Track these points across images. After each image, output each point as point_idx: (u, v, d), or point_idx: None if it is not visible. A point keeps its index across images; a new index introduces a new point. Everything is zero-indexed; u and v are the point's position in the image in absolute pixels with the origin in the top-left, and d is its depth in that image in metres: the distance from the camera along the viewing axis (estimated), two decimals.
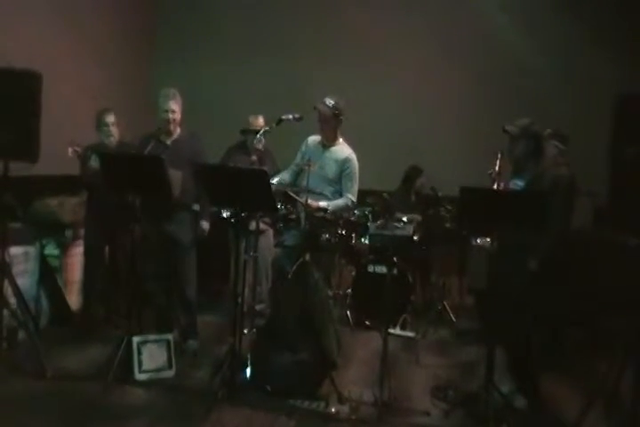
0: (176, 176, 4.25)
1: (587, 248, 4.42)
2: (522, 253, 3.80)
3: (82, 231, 5.16)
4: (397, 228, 5.44)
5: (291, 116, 4.36)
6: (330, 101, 4.51)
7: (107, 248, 5.09)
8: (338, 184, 4.62)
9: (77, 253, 5.14)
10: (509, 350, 3.92)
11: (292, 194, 4.38)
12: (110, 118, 4.95)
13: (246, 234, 4.46)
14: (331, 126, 4.59)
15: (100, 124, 4.94)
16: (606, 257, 4.40)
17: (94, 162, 4.56)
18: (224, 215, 4.96)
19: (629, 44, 6.52)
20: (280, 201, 4.49)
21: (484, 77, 6.96)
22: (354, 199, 4.62)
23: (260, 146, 5.34)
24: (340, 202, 4.55)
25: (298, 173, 4.66)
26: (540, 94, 6.61)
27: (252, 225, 4.63)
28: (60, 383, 3.96)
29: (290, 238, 4.57)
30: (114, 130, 4.96)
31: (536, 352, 3.86)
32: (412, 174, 6.51)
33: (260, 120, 5.46)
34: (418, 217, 6.00)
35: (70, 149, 4.61)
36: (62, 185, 5.21)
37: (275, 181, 4.88)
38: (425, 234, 5.97)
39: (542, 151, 3.87)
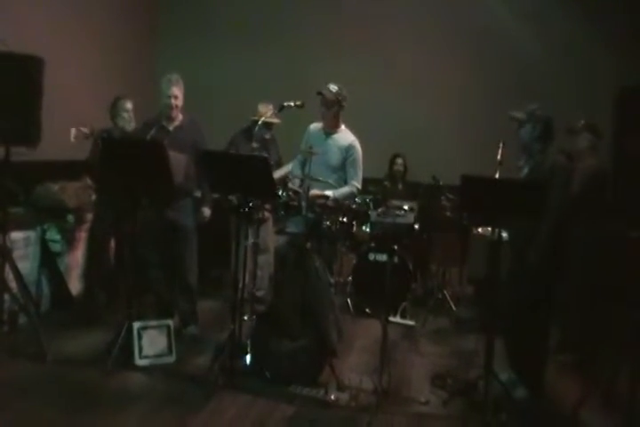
0: (180, 160, 4.20)
1: (593, 240, 4.38)
2: (522, 243, 3.77)
3: (84, 216, 5.13)
4: (398, 216, 5.41)
5: (292, 103, 4.32)
6: (333, 87, 4.48)
7: (112, 234, 5.06)
8: (342, 171, 4.58)
9: (79, 238, 5.12)
10: (514, 340, 3.89)
11: (293, 187, 4.34)
12: (129, 105, 4.99)
13: (250, 221, 4.44)
14: (333, 112, 4.54)
15: (119, 111, 4.96)
16: (611, 249, 4.35)
17: None
18: (234, 201, 4.93)
19: (632, 36, 6.44)
20: (282, 188, 4.46)
21: (484, 67, 6.91)
22: (359, 186, 4.59)
23: (267, 135, 5.34)
24: (345, 190, 4.51)
25: (304, 163, 4.62)
26: (542, 84, 6.53)
27: (257, 213, 4.61)
28: (61, 368, 3.95)
29: (292, 226, 4.54)
30: (132, 116, 4.99)
31: (541, 342, 3.82)
32: (392, 160, 6.52)
33: (270, 108, 5.38)
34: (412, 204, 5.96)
35: (73, 132, 4.56)
36: (64, 170, 5.17)
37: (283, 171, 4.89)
38: (425, 222, 5.95)
39: (549, 137, 3.80)
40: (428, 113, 6.98)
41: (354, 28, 7.20)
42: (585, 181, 4.34)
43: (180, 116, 4.59)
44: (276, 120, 5.28)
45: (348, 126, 4.71)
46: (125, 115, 4.97)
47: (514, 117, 3.86)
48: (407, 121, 6.90)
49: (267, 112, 5.23)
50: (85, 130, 4.63)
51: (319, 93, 4.47)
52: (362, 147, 4.62)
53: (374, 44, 7.14)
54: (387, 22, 7.14)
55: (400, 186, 6.47)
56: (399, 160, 6.50)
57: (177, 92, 4.47)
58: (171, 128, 4.55)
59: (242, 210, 3.96)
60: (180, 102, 4.51)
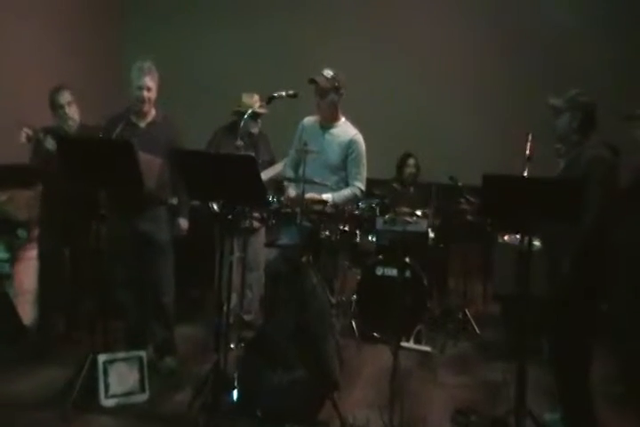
0: (152, 162, 4.15)
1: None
2: (558, 253, 3.69)
3: (37, 231, 5.06)
4: (409, 223, 5.39)
5: (284, 93, 4.29)
6: (328, 72, 4.48)
7: (67, 250, 4.99)
8: (342, 172, 4.59)
9: (32, 256, 5.08)
10: (557, 371, 3.80)
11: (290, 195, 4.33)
12: (65, 97, 4.72)
13: (236, 232, 4.41)
14: (330, 102, 4.54)
15: (54, 106, 4.74)
16: None
17: (50, 144, 4.40)
18: (214, 208, 4.89)
19: None
20: (272, 193, 4.43)
21: (511, 46, 6.84)
22: (362, 188, 4.59)
23: (255, 130, 5.31)
24: (346, 192, 4.51)
25: (298, 163, 4.60)
26: (580, 68, 6.44)
27: (244, 222, 4.58)
28: (9, 412, 3.86)
29: (285, 237, 4.55)
30: (71, 111, 4.76)
31: (584, 372, 3.72)
32: (402, 161, 6.50)
33: (256, 99, 5.40)
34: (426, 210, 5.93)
35: (23, 133, 4.45)
36: (13, 176, 5.15)
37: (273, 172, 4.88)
38: (442, 230, 5.92)
39: (589, 127, 3.73)
40: (443, 102, 6.97)
41: (354, 4, 7.15)
42: (636, 176, 4.26)
43: (153, 112, 4.55)
44: (263, 110, 5.25)
45: (348, 119, 4.67)
46: (61, 111, 4.69)
47: (551, 105, 3.79)
48: (418, 111, 6.92)
49: (253, 103, 5.19)
50: (28, 131, 4.43)
51: (312, 81, 4.46)
52: (365, 142, 4.60)
53: (378, 23, 7.14)
54: None
55: (412, 189, 6.46)
56: (411, 161, 6.46)
57: (149, 83, 4.42)
58: (141, 125, 4.51)
59: (225, 219, 3.90)
60: (153, 95, 4.47)
